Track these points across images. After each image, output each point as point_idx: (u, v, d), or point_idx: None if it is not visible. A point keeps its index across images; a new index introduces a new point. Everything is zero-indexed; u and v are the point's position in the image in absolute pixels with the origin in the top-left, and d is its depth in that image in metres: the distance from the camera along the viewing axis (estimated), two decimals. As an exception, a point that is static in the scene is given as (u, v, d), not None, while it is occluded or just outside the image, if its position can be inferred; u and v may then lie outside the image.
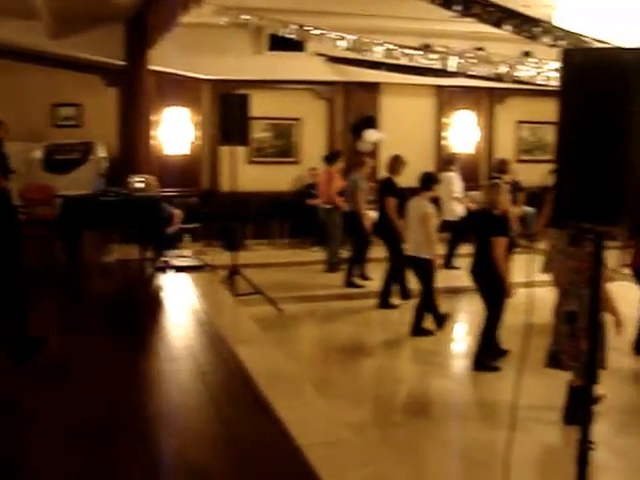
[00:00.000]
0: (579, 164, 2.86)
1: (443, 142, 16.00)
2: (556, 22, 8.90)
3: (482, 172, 16.01)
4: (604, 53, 3.14)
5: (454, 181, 12.47)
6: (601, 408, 6.47)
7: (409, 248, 9.01)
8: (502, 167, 11.97)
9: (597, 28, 9.06)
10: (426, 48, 11.68)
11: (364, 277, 11.38)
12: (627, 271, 8.56)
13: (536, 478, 5.73)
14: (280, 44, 13.50)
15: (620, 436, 6.43)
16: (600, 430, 6.22)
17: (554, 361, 6.33)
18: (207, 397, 6.11)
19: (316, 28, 10.34)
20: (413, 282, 9.48)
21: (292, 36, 10.58)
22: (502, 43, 11.78)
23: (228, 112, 10.10)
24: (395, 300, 10.20)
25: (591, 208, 2.85)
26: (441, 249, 10.14)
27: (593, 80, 2.84)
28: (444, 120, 16.00)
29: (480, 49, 12.94)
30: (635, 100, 2.77)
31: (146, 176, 11.56)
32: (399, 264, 9.83)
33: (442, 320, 9.09)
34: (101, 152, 13.18)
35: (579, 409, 6.20)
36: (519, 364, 6.12)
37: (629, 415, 6.89)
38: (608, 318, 6.30)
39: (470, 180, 14.35)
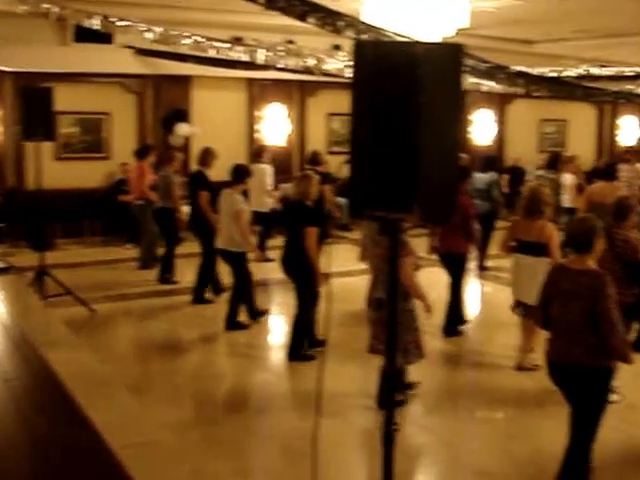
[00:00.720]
0: (372, 154, 2.91)
1: (255, 135, 16.05)
2: (362, 17, 9.09)
3: (294, 164, 16.20)
4: (394, 46, 3.22)
5: (266, 172, 12.51)
6: (413, 390, 6.74)
7: (221, 241, 8.96)
8: (315, 159, 12.15)
9: (402, 23, 9.36)
10: (237, 41, 11.67)
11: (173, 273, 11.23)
12: (435, 257, 8.91)
13: (349, 461, 5.85)
14: (87, 35, 12.96)
15: (431, 416, 6.69)
16: (412, 411, 6.49)
17: (372, 347, 6.48)
18: (12, 405, 5.81)
19: (122, 19, 10.07)
20: (227, 276, 9.43)
21: (97, 27, 10.25)
22: (314, 36, 11.90)
23: (31, 106, 9.66)
24: (209, 295, 10.12)
25: (385, 197, 2.91)
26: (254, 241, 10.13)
27: (384, 72, 2.89)
28: (256, 113, 16.05)
29: (291, 42, 13.07)
30: (424, 92, 2.85)
31: (-57, 175, 10.90)
32: (212, 259, 9.77)
33: (257, 314, 9.12)
34: None
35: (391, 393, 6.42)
36: (325, 351, 6.26)
37: (439, 396, 7.18)
38: (418, 304, 6.51)
39: (283, 172, 14.48)
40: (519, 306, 7.44)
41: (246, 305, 9.00)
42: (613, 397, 6.47)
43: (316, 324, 8.01)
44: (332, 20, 6.71)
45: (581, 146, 20.16)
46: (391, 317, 3.21)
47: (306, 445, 4.97)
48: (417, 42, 2.97)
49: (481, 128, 18.88)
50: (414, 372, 6.77)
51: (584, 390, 4.78)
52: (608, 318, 4.60)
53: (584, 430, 4.85)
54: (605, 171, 10.73)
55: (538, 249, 7.10)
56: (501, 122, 19.37)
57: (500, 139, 19.36)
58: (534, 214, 7.22)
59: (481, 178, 11.62)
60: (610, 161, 13.22)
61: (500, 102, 19.02)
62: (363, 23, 7.14)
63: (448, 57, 2.98)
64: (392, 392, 3.47)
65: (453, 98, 2.97)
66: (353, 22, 6.79)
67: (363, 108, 2.96)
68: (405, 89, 2.83)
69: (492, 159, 12.96)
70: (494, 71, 8.07)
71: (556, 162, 11.80)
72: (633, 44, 15.05)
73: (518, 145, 19.32)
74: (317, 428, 3.78)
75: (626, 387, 6.82)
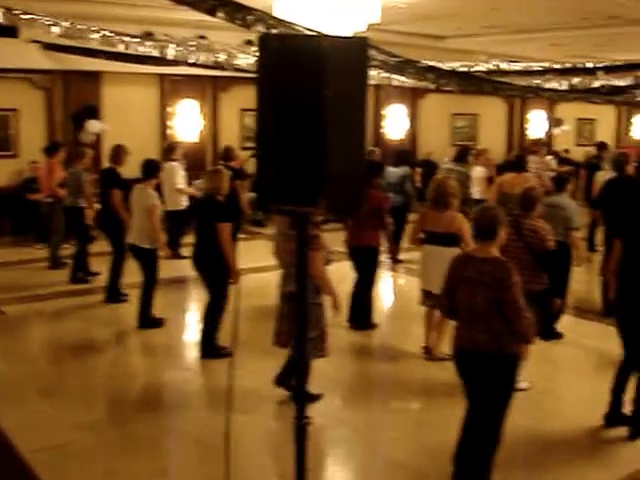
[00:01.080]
0: (279, 148, 2.91)
1: (168, 131, 15.87)
2: (274, 12, 9.08)
3: (208, 160, 16.07)
4: (300, 39, 3.22)
5: (176, 171, 12.37)
6: (327, 383, 6.79)
7: (132, 237, 8.82)
8: (227, 154, 12.08)
9: (314, 19, 9.40)
10: (148, 36, 11.52)
11: (89, 272, 11.01)
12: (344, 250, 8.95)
13: (263, 456, 5.85)
14: (-9, 29, 12.61)
15: (345, 408, 6.75)
16: (327, 404, 6.53)
17: (279, 339, 6.48)
18: None
19: (26, 12, 9.79)
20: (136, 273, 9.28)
21: (0, 20, 9.94)
22: (226, 32, 11.82)
23: None
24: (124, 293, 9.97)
25: (292, 191, 2.91)
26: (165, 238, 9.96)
27: (289, 66, 2.88)
28: (168, 109, 15.87)
29: (203, 37, 12.98)
30: (330, 85, 2.85)
31: None
32: (123, 257, 9.61)
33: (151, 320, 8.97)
34: None
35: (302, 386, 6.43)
36: (235, 347, 6.20)
37: (353, 388, 7.25)
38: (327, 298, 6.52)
39: (196, 168, 14.32)
40: (428, 297, 7.56)
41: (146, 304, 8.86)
42: (523, 384, 6.67)
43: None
44: (242, 14, 6.67)
45: (492, 139, 20.61)
46: (301, 311, 3.21)
47: (220, 442, 4.98)
48: (323, 36, 2.98)
49: (394, 122, 19.09)
50: (328, 366, 6.81)
51: (490, 377, 4.85)
52: (514, 305, 4.68)
53: (491, 420, 4.94)
54: (515, 163, 10.96)
55: (446, 239, 7.25)
56: (414, 116, 19.61)
57: (413, 133, 19.60)
58: (441, 206, 7.35)
59: (394, 172, 11.77)
60: (520, 153, 13.51)
61: (413, 97, 19.27)
62: (273, 18, 7.13)
63: (354, 51, 3.00)
64: (302, 385, 3.47)
65: (359, 92, 2.98)
66: (263, 17, 6.76)
67: (268, 102, 2.95)
68: (310, 83, 2.84)
69: (405, 153, 13.12)
70: (404, 65, 8.16)
71: (464, 155, 12.00)
72: (540, 40, 15.45)
73: (431, 139, 19.59)
74: (228, 424, 3.76)
75: (535, 374, 7.02)
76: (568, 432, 6.18)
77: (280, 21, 7.20)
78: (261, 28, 6.89)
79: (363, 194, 3.06)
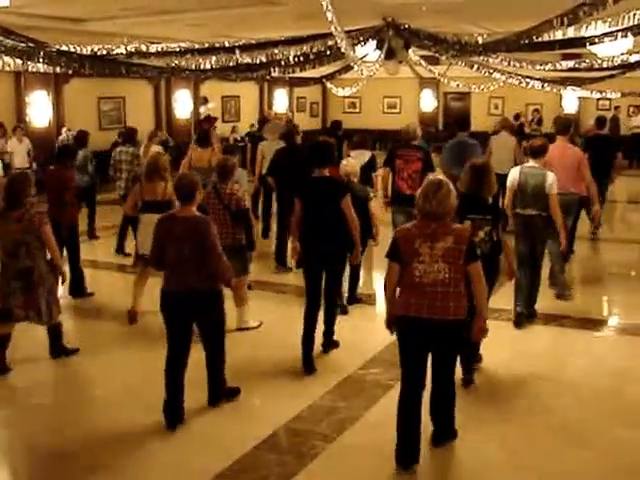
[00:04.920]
0: None
1: None
2: None
3: None
4: None
5: None
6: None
7: None
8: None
9: None
10: None
11: None
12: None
13: None
14: None
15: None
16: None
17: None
18: None
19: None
20: None
21: None
22: None
23: None
24: None
25: None
26: None
27: None
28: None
29: None
30: None
31: None
32: None
33: None
34: None
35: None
36: None
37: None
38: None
39: None
40: (139, 259, 8.37)
41: None
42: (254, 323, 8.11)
43: None
44: None
45: (140, 121, 20.65)
46: None
47: None
48: None
49: (38, 109, 18.53)
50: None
51: (207, 311, 5.86)
52: (214, 251, 5.69)
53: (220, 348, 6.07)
54: (200, 139, 12.00)
55: (161, 206, 7.71)
56: (59, 102, 19.14)
57: (59, 119, 19.12)
58: (155, 177, 8.26)
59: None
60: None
61: (56, 82, 18.79)
62: None
63: None
64: None
65: None
66: None
67: None
68: None
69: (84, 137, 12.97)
70: (34, 50, 8.01)
71: (131, 137, 12.33)
72: (179, 21, 15.70)
73: (78, 124, 19.19)
74: None
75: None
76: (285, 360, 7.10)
77: None
78: None
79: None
